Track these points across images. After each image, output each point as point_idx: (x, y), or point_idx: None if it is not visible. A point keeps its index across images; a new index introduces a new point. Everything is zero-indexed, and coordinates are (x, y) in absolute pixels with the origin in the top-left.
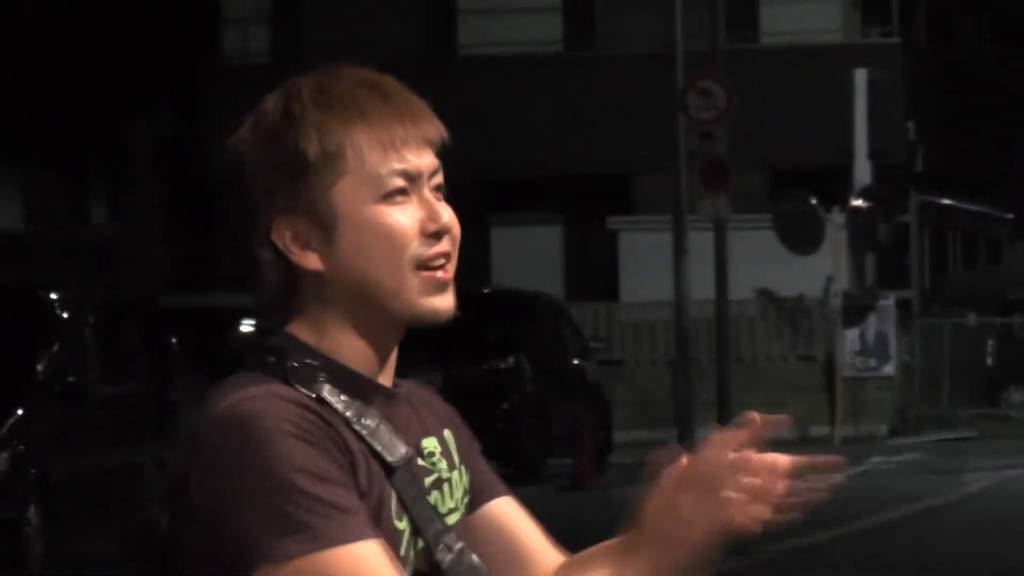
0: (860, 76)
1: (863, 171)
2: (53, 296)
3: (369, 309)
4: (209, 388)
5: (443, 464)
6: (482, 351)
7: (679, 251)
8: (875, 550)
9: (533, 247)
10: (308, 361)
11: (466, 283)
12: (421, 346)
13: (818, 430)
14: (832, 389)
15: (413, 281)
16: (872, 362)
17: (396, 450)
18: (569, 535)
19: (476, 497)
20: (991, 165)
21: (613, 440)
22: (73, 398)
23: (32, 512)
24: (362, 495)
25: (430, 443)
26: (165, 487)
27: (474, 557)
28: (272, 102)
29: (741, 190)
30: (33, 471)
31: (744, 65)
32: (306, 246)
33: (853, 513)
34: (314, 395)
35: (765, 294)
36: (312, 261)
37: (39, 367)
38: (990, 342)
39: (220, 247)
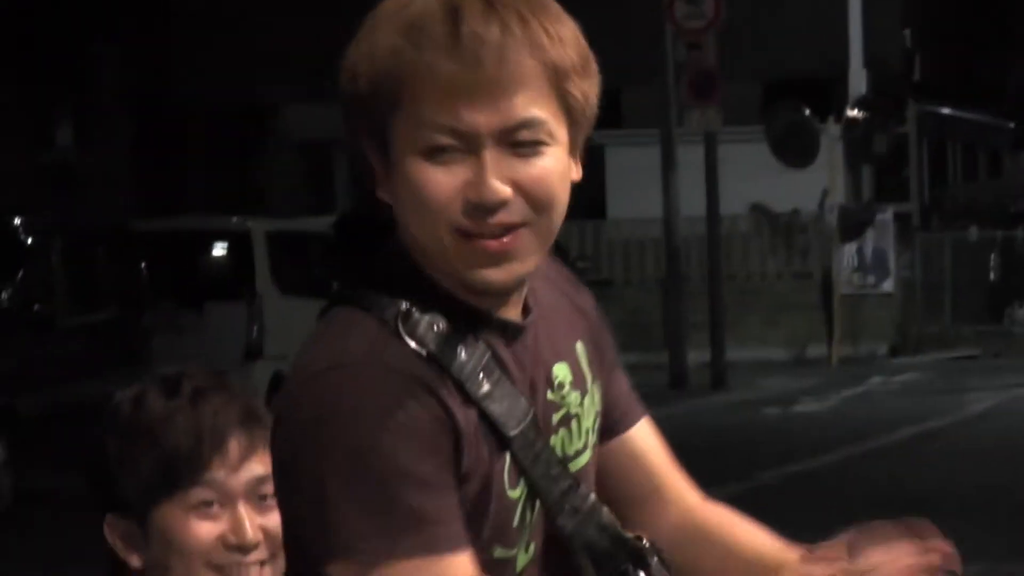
0: None
1: (858, 81)
2: (17, 221)
3: (433, 262)
4: (312, 325)
5: (573, 395)
6: None
7: (668, 165)
8: (876, 475)
9: None
10: (422, 299)
11: None
12: None
13: (815, 350)
14: (829, 307)
15: (456, 247)
16: (870, 279)
17: (515, 415)
18: None
19: (612, 425)
20: (991, 73)
21: None
22: (39, 327)
23: None
24: (466, 477)
25: (561, 370)
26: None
27: (605, 513)
28: (364, 21)
29: (732, 101)
30: None
31: None
32: (382, 178)
33: (853, 436)
34: (425, 352)
35: (758, 209)
36: (383, 191)
37: (3, 295)
38: (993, 256)
39: (190, 171)
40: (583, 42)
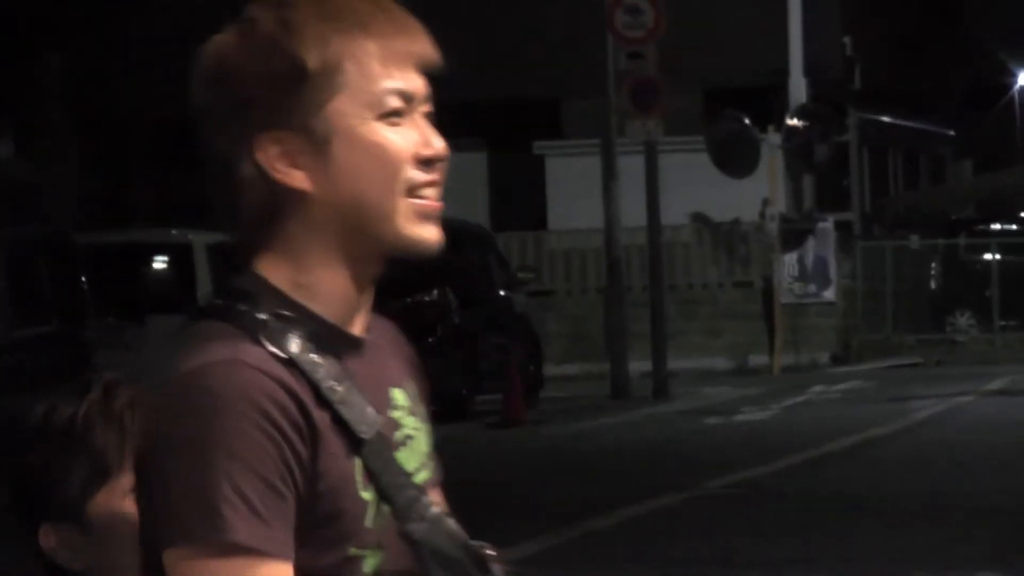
0: None
1: (799, 89)
2: None
3: (356, 235)
4: (171, 335)
5: (409, 419)
6: (404, 283)
7: (609, 175)
8: (817, 483)
9: (457, 174)
10: (281, 312)
11: None
12: None
13: (757, 360)
14: (771, 317)
15: (403, 207)
16: (812, 288)
17: (366, 420)
18: (499, 473)
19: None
20: (932, 80)
21: (544, 374)
22: None
23: None
24: (322, 474)
25: (398, 395)
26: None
27: (451, 522)
28: (262, 11)
29: (672, 111)
30: None
31: None
32: (293, 164)
33: (796, 445)
34: (285, 355)
35: (699, 219)
36: (299, 180)
37: None
38: (934, 264)
39: (135, 182)
40: None
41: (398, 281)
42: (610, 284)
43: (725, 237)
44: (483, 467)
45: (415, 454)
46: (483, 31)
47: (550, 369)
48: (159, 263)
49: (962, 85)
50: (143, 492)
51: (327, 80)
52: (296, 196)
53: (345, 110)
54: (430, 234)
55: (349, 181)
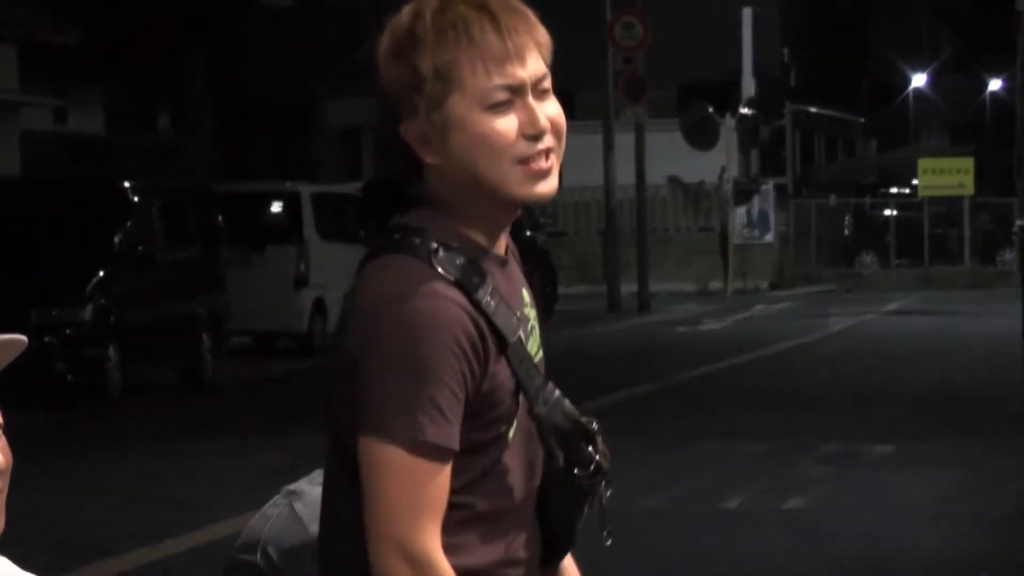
0: (746, 13)
1: (749, 86)
2: (127, 185)
3: (480, 194)
4: (362, 264)
5: (532, 312)
6: None
7: (608, 148)
8: (759, 378)
9: None
10: (447, 242)
11: None
12: None
13: (715, 285)
14: (726, 253)
15: (514, 173)
16: (756, 233)
17: (511, 327)
18: None
19: None
20: (848, 81)
21: (558, 293)
22: (142, 263)
23: (112, 351)
24: (491, 372)
25: (525, 294)
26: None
27: (566, 403)
28: (404, 17)
29: (655, 101)
30: (112, 319)
31: (657, 4)
32: (427, 144)
33: (743, 348)
34: (453, 278)
35: (674, 181)
36: (431, 156)
37: (116, 239)
38: (847, 217)
39: (257, 147)
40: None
41: None
42: (607, 228)
43: (693, 194)
44: None
45: (535, 339)
46: None
47: (562, 290)
48: (275, 207)
49: (870, 84)
50: (352, 383)
51: (441, 83)
52: (432, 166)
53: (459, 105)
54: (543, 188)
55: (466, 159)
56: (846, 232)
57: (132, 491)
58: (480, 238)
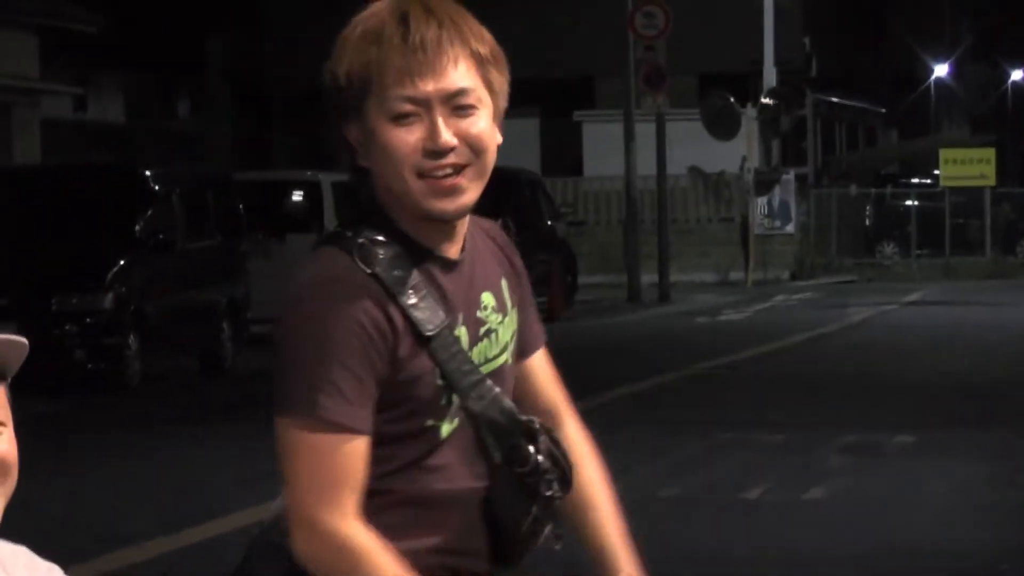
0: (768, 2)
1: (770, 76)
2: (148, 172)
3: (400, 201)
4: (303, 254)
5: (495, 316)
6: (477, 214)
7: (629, 137)
8: (780, 368)
9: (516, 136)
10: (375, 237)
11: None
12: None
13: (735, 275)
14: (746, 244)
15: (418, 186)
16: (777, 223)
17: (433, 322)
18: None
19: (523, 348)
20: (868, 71)
21: (578, 282)
22: (163, 251)
23: (131, 339)
24: (403, 362)
25: (487, 297)
26: None
27: (506, 401)
28: (351, 24)
29: (676, 90)
30: (132, 307)
31: None
32: (361, 147)
33: (763, 338)
34: (370, 271)
35: (694, 171)
36: (363, 160)
37: (137, 227)
38: (867, 207)
39: (276, 136)
40: (497, 45)
41: (473, 212)
42: (628, 217)
43: (713, 184)
44: None
45: (495, 344)
46: (540, 28)
47: (583, 279)
48: (296, 195)
49: (891, 74)
50: (274, 368)
51: (356, 89)
52: (368, 169)
53: (372, 112)
54: (446, 204)
55: (379, 165)
56: (867, 222)
57: (151, 479)
58: (422, 239)
